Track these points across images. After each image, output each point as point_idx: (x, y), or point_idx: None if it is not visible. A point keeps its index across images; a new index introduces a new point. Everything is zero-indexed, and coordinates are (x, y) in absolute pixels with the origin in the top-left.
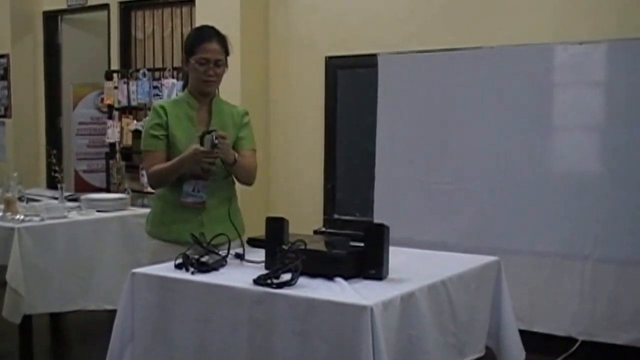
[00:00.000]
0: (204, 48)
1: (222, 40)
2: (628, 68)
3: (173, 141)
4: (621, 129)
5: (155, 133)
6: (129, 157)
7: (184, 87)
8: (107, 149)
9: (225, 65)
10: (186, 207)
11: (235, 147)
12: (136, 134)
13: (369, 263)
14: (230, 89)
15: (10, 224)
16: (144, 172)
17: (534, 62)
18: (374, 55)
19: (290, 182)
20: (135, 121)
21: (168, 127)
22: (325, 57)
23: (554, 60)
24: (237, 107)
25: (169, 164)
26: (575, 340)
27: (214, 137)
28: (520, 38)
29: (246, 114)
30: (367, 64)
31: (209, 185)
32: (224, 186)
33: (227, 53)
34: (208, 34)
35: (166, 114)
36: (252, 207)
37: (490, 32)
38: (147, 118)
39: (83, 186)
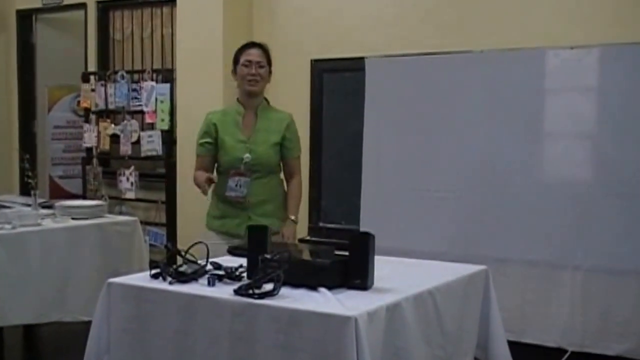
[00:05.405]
0: (247, 52)
1: (263, 48)
2: (620, 73)
3: (222, 144)
4: (613, 135)
5: (202, 141)
6: (107, 162)
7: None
8: (83, 154)
9: (269, 70)
10: (229, 200)
11: (282, 154)
12: (114, 138)
13: (353, 273)
14: (213, 91)
15: None
16: (121, 178)
17: (524, 67)
18: (361, 59)
19: None
20: (113, 125)
21: (217, 133)
22: (311, 61)
23: (545, 65)
24: (282, 112)
25: (197, 174)
26: (565, 351)
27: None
28: (510, 42)
29: (292, 122)
30: (353, 67)
31: (251, 182)
32: (269, 185)
33: (269, 60)
34: (250, 44)
35: (214, 123)
36: None
37: (480, 36)
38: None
39: (58, 192)
